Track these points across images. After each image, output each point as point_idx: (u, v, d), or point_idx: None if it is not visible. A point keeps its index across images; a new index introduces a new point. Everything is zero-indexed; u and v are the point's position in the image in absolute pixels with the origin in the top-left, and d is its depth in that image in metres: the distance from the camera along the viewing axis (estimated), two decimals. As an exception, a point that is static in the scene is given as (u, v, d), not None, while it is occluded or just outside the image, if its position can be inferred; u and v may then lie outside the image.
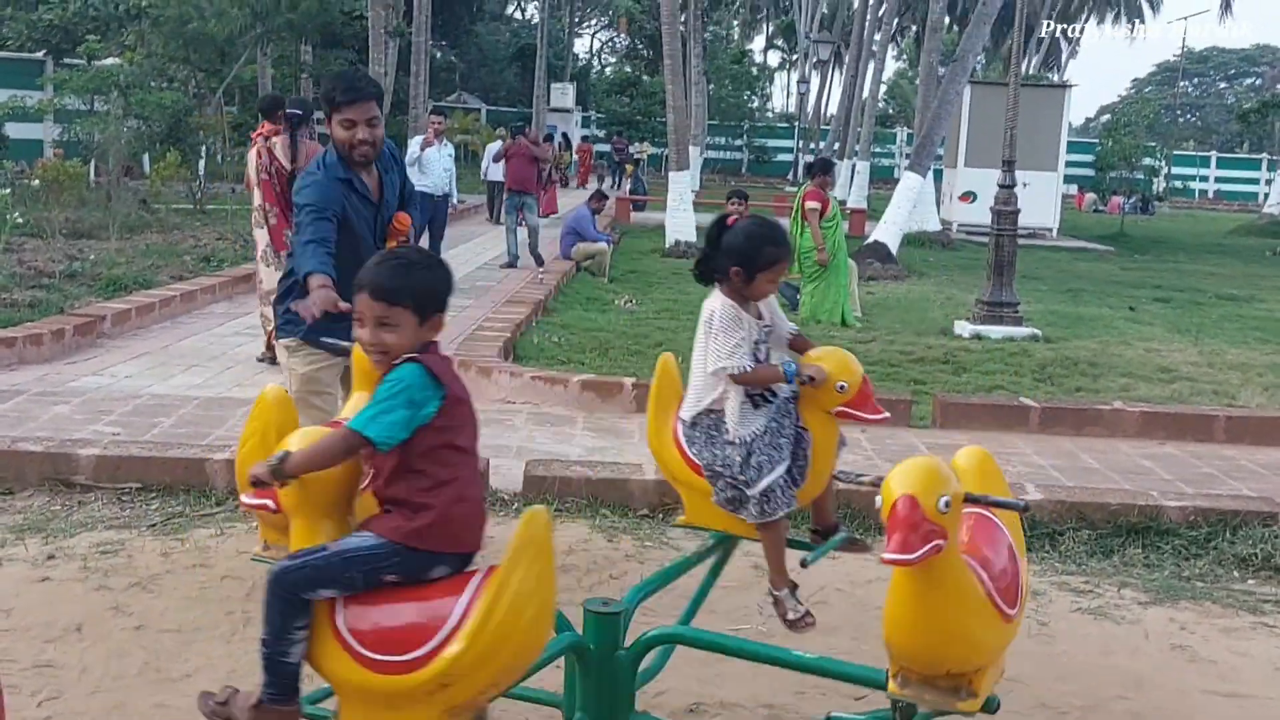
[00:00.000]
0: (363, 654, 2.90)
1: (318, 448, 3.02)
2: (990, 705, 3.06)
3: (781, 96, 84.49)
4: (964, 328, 12.77)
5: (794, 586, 4.13)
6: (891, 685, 3.04)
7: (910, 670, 3.01)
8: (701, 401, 4.08)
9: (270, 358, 10.09)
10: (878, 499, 2.94)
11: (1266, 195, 42.93)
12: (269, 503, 3.18)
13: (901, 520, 2.80)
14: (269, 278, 10.20)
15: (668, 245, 20.70)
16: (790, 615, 4.07)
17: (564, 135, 36.36)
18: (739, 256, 4.04)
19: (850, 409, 4.02)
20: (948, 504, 2.82)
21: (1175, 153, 50.47)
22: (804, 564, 4.07)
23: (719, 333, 4.05)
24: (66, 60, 29.71)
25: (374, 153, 5.25)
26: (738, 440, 4.01)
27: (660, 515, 6.52)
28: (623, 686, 3.58)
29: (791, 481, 4.01)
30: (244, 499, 3.30)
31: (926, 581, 2.86)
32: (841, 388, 3.99)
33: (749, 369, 4.02)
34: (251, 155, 10.73)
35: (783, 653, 3.70)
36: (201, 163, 25.29)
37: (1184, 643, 5.30)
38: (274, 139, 10.31)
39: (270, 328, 10.12)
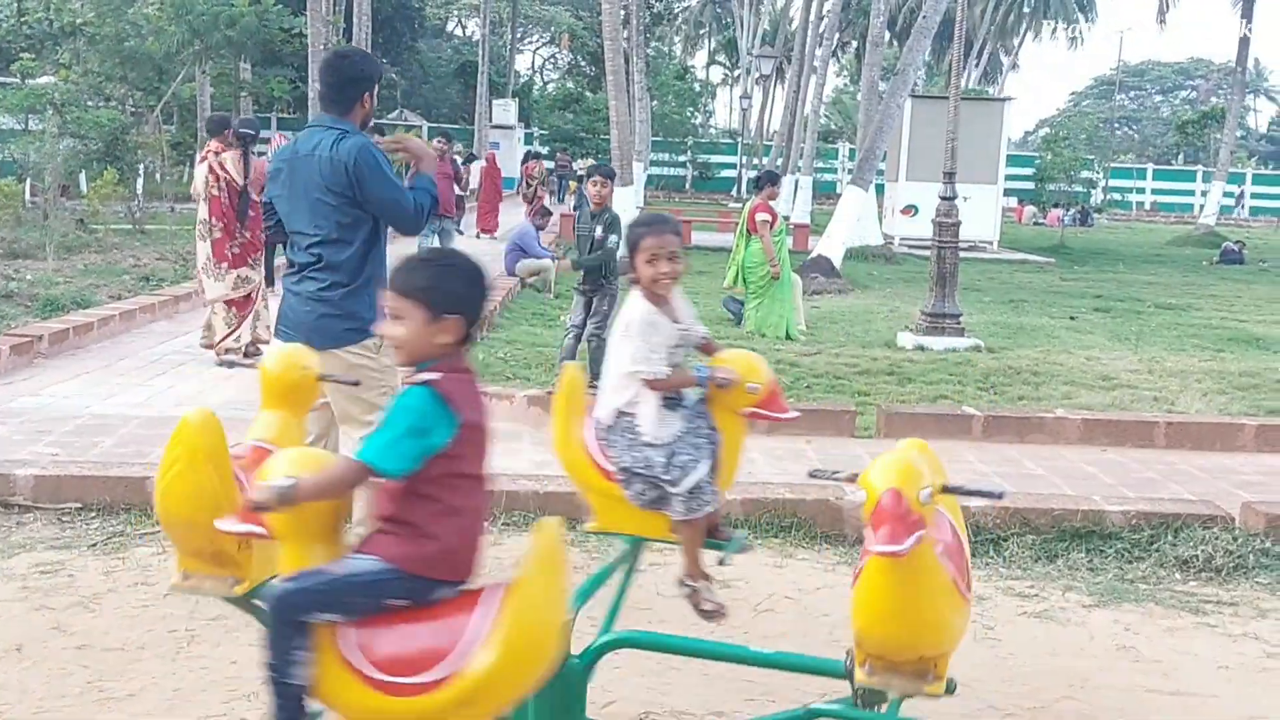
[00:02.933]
0: (377, 679, 2.86)
1: (329, 478, 2.98)
2: (950, 687, 3.08)
3: (725, 112, 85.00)
4: (907, 339, 12.85)
5: (709, 578, 4.24)
6: (859, 674, 3.06)
7: (877, 658, 3.03)
8: (613, 403, 4.15)
9: (230, 364, 10.73)
10: (850, 493, 2.99)
11: (1202, 206, 43.55)
12: (258, 529, 3.06)
13: (888, 513, 2.82)
14: (210, 288, 10.80)
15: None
16: (706, 605, 4.21)
17: (532, 153, 36.04)
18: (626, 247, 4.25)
19: (762, 409, 4.21)
20: (929, 495, 2.86)
21: (1113, 166, 51.07)
22: (722, 562, 4.29)
23: (636, 337, 4.12)
24: (0, 79, 29.36)
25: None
26: (658, 442, 4.07)
27: (608, 527, 6.51)
28: (575, 695, 3.56)
29: (714, 479, 4.12)
30: (223, 525, 3.12)
31: (907, 571, 2.87)
32: (753, 389, 4.16)
33: (663, 374, 4.10)
34: (202, 169, 10.98)
35: (740, 650, 3.76)
36: (140, 181, 25.05)
37: (1128, 643, 5.36)
38: (224, 155, 10.69)
39: (220, 332, 10.77)
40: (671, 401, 4.18)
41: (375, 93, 5.58)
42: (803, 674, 3.67)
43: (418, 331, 3.04)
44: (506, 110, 52.75)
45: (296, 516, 2.98)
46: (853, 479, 3.03)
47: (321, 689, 2.94)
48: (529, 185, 29.93)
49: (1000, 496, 3.20)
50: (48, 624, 5.04)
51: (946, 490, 3.02)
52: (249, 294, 11.02)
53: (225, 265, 10.84)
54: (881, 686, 3.08)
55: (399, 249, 4.94)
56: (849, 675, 3.17)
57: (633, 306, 4.21)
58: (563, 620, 2.96)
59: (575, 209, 33.52)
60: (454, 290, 3.08)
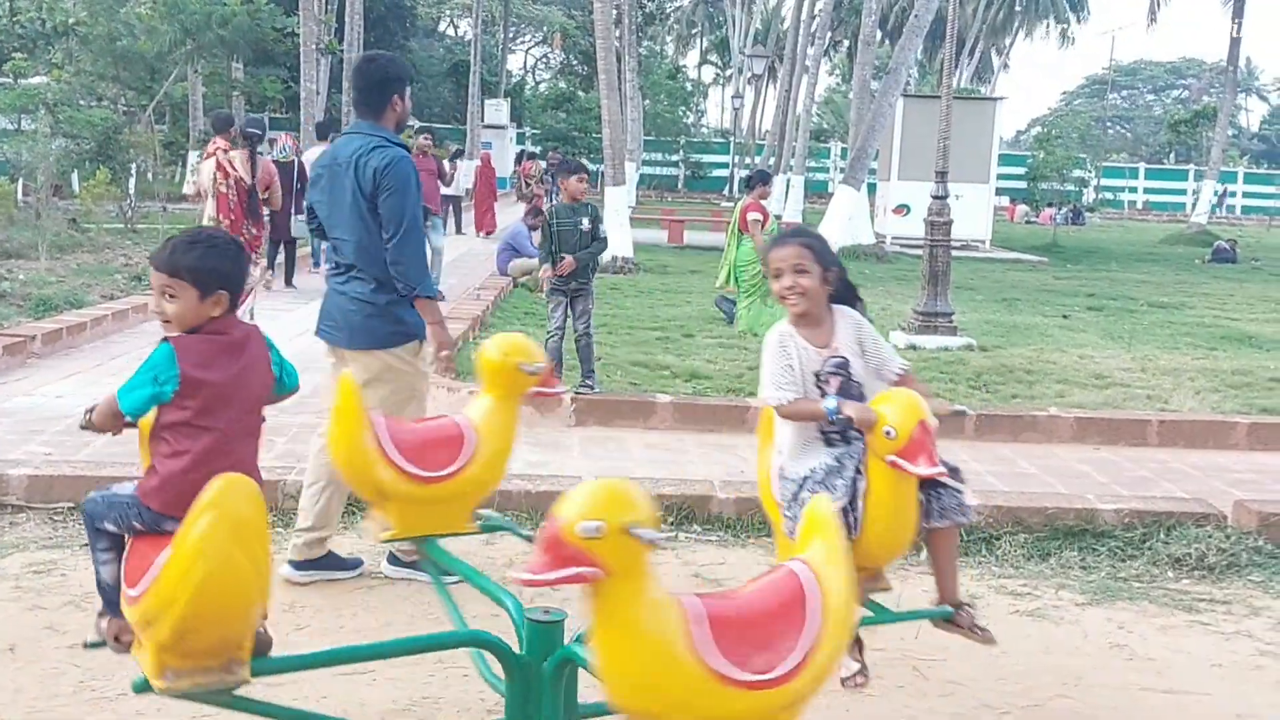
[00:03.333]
0: (123, 588, 3.24)
1: (103, 401, 3.40)
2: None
3: (716, 112, 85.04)
4: (899, 338, 12.86)
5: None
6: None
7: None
8: (779, 432, 4.04)
9: None
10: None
11: (1194, 205, 43.64)
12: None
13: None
14: None
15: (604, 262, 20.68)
16: (842, 673, 4.08)
17: (527, 153, 36.12)
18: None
19: (899, 458, 3.67)
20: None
21: (1105, 165, 51.16)
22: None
23: (765, 361, 3.95)
24: (-8, 79, 29.30)
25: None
26: (788, 475, 3.93)
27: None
28: (547, 697, 3.51)
29: (844, 524, 3.62)
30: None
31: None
32: (889, 433, 3.65)
33: (786, 401, 3.85)
34: (208, 166, 11.32)
35: None
36: (132, 181, 25.01)
37: (1122, 641, 5.37)
38: (232, 153, 11.02)
39: None
40: (833, 437, 3.93)
41: (407, 94, 5.68)
42: None
43: (191, 308, 3.40)
44: (499, 110, 52.72)
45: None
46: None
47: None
48: (526, 185, 29.94)
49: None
50: (40, 624, 5.03)
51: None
52: (250, 289, 11.12)
53: None
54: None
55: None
56: None
57: (773, 330, 4.02)
58: (227, 566, 2.98)
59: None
60: (220, 269, 3.42)
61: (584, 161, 11.35)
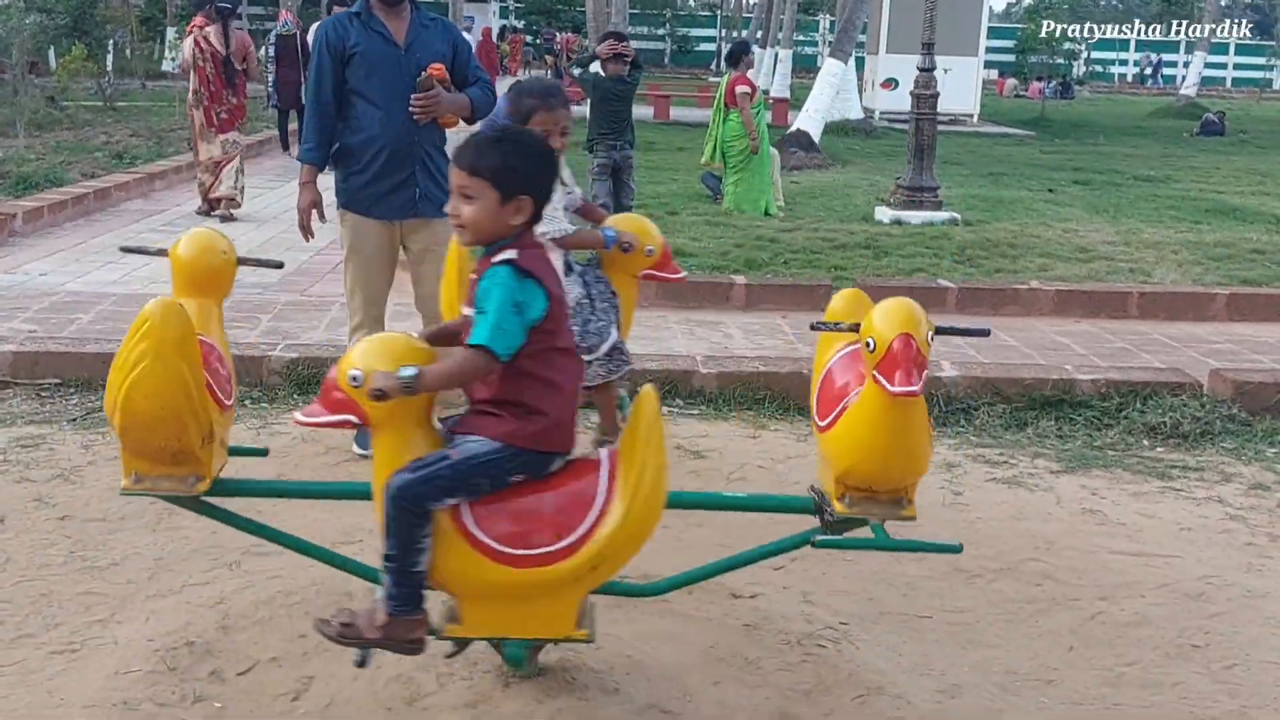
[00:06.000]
0: (504, 552, 2.97)
1: (454, 368, 2.96)
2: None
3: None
4: (884, 213, 12.82)
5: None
6: (839, 506, 3.22)
7: (857, 490, 3.21)
8: None
9: (206, 211, 12.01)
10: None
11: (1184, 78, 43.26)
12: (352, 417, 2.95)
13: (902, 356, 2.97)
14: (204, 149, 12.05)
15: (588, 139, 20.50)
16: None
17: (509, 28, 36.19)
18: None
19: (657, 271, 4.47)
20: (931, 337, 3.04)
21: (1097, 39, 50.59)
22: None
23: None
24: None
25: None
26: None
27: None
28: None
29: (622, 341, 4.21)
30: (308, 417, 3.00)
31: (902, 410, 3.04)
32: (650, 252, 4.38)
33: (570, 232, 4.20)
34: (188, 43, 12.26)
35: (714, 496, 4.06)
36: (110, 57, 24.64)
37: (1094, 507, 5.47)
38: (207, 29, 11.97)
39: (207, 188, 12.07)
40: (565, 266, 4.23)
41: None
42: (772, 513, 3.79)
43: (490, 212, 3.00)
44: (482, -18, 51.82)
45: (398, 404, 2.93)
46: (855, 328, 3.14)
47: (438, 569, 3.01)
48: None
49: (987, 334, 3.48)
50: (29, 496, 5.10)
51: (940, 332, 3.13)
52: (236, 155, 12.16)
53: (214, 130, 11.98)
54: (862, 515, 3.26)
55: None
56: (819, 510, 3.37)
57: None
58: (665, 478, 3.05)
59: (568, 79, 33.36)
60: (525, 170, 3.02)
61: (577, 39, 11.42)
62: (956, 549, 3.57)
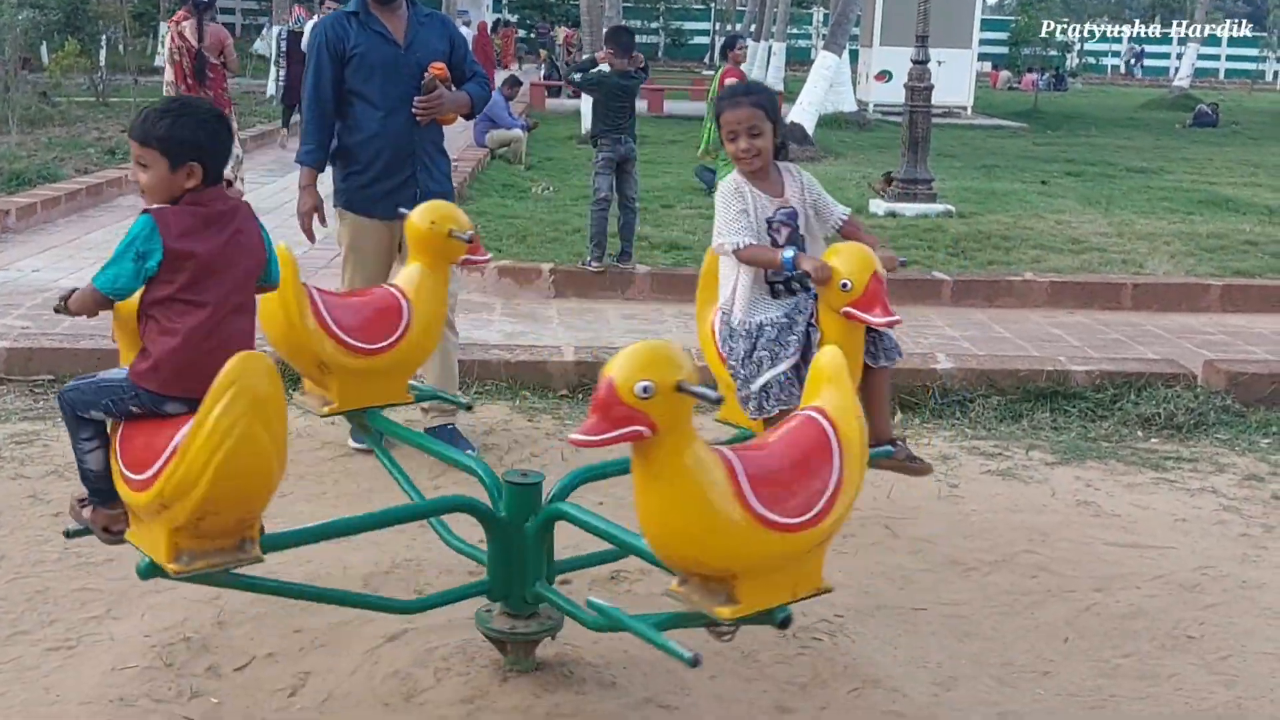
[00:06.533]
0: (124, 473, 3.18)
1: (82, 295, 3.28)
2: (775, 619, 3.00)
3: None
4: (879, 206, 12.83)
5: None
6: (673, 584, 2.98)
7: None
8: (725, 285, 3.97)
9: None
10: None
11: (1177, 69, 43.26)
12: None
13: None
14: None
15: (583, 132, 20.50)
16: None
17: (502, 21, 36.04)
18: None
19: (855, 309, 3.68)
20: (645, 390, 2.64)
21: (1088, 28, 50.56)
22: None
23: (720, 208, 3.92)
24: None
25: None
26: (743, 330, 3.89)
27: (580, 396, 6.56)
28: (530, 556, 3.60)
29: (796, 380, 3.74)
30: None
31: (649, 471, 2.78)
32: (845, 286, 3.65)
33: (743, 245, 3.81)
34: (168, 39, 12.29)
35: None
36: (102, 53, 24.58)
37: (1089, 499, 5.48)
38: (184, 23, 11.92)
39: None
40: (779, 288, 3.93)
41: None
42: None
43: (162, 179, 3.26)
44: (475, -23, 51.72)
45: (115, 325, 3.40)
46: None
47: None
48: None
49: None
50: (24, 492, 5.10)
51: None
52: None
53: None
54: (680, 597, 2.99)
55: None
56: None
57: (725, 179, 4.04)
58: (250, 444, 2.97)
59: (545, 78, 33.29)
60: (192, 139, 3.26)
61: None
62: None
